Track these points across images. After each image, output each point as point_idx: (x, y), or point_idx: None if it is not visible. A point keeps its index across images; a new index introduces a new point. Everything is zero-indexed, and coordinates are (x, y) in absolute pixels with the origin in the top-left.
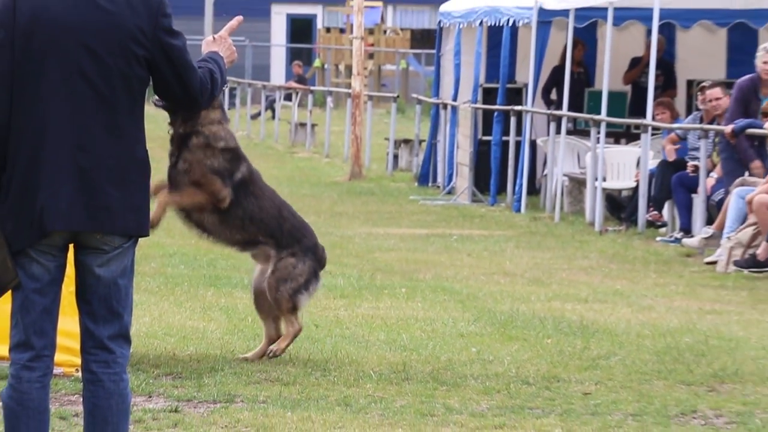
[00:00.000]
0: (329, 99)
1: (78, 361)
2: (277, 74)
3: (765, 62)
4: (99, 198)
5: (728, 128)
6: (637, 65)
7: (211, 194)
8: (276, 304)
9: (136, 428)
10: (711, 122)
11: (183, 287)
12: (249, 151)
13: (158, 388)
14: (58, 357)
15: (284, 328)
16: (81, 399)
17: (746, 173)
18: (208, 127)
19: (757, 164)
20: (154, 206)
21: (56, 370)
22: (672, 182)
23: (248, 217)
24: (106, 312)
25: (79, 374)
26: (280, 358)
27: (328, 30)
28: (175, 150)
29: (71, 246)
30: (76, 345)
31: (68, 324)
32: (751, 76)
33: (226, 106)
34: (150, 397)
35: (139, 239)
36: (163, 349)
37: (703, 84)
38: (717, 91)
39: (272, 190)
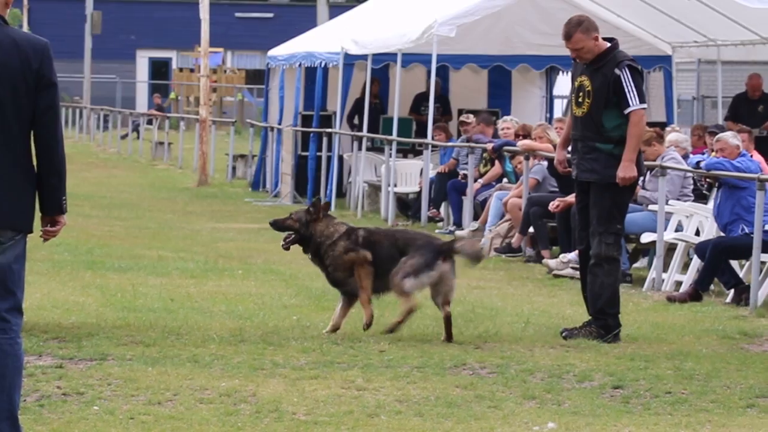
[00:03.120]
0: (182, 123)
1: None
2: (141, 104)
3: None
4: None
5: (489, 145)
6: (421, 99)
7: (362, 264)
8: (393, 289)
9: (29, 381)
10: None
11: (66, 270)
12: (119, 164)
13: (46, 349)
14: None
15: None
16: None
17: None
18: (321, 236)
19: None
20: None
21: None
22: (447, 187)
23: (382, 262)
24: (2, 290)
25: None
26: (142, 325)
27: (181, 70)
28: (319, 264)
29: None
30: None
31: None
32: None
33: (100, 130)
34: (40, 356)
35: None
36: (50, 318)
37: (462, 118)
38: (470, 117)
39: (384, 230)
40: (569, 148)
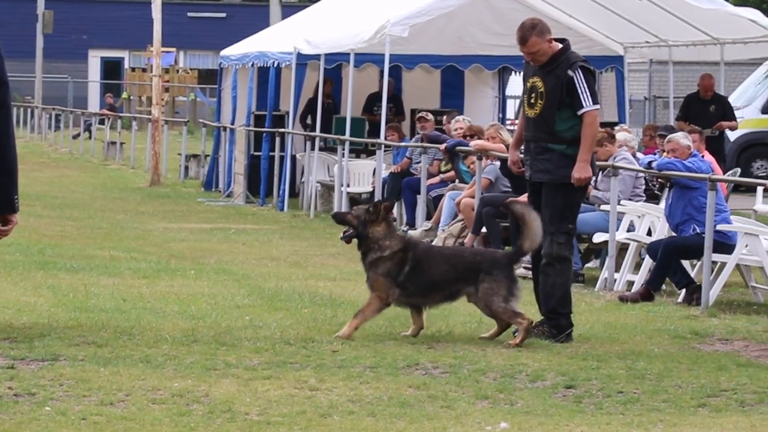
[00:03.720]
0: (134, 123)
1: None
2: (93, 103)
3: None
4: None
5: (443, 146)
6: (374, 99)
7: (378, 298)
8: (497, 318)
9: None
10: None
11: (18, 270)
12: (71, 164)
13: None
14: None
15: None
16: None
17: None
18: (374, 242)
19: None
20: (345, 328)
21: None
22: (402, 185)
23: (432, 285)
24: None
25: None
26: (94, 325)
27: (133, 69)
28: (365, 265)
29: None
30: None
31: None
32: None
33: (52, 130)
34: None
35: None
36: (1, 319)
37: (420, 115)
38: (427, 116)
39: (439, 251)
40: (522, 149)
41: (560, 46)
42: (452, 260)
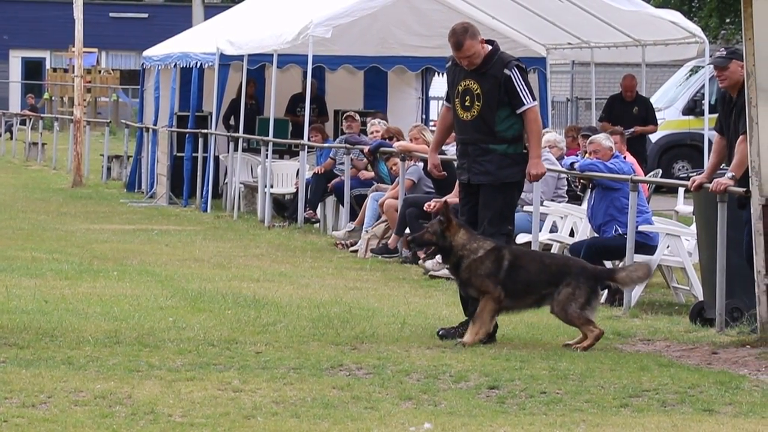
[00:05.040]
0: (56, 124)
1: None
2: (14, 104)
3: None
4: None
5: (366, 147)
6: (297, 100)
7: (492, 299)
8: (570, 323)
9: None
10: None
11: None
12: None
13: None
14: None
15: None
16: None
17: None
18: (462, 249)
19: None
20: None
21: None
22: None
23: (526, 286)
24: None
25: None
26: (16, 327)
27: (55, 70)
28: (454, 273)
29: None
30: None
31: None
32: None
33: None
34: None
35: None
36: None
37: (348, 114)
38: (354, 116)
39: (533, 252)
40: (456, 152)
41: (490, 47)
42: (545, 259)
